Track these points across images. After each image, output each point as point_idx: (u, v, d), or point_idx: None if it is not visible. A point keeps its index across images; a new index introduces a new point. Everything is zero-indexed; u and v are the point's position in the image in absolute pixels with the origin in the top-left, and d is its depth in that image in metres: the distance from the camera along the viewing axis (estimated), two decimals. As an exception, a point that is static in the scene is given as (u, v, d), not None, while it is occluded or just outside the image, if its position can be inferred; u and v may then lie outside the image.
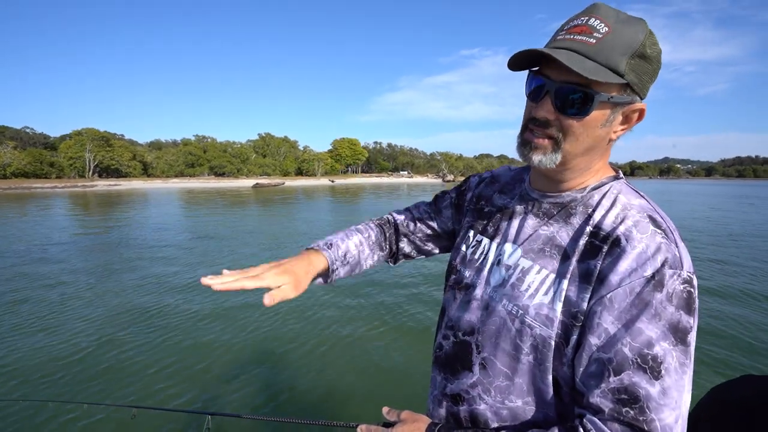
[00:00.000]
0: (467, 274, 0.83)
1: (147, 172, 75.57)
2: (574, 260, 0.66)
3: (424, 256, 1.08)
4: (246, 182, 62.84)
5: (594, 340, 0.61)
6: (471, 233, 0.87)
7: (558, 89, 0.63)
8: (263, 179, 68.17)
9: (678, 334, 0.57)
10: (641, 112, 0.66)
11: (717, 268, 8.22)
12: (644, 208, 0.65)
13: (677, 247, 0.61)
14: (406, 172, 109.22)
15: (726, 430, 0.71)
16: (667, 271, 0.59)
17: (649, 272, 0.59)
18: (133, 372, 3.85)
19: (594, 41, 0.60)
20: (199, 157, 75.76)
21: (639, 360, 0.57)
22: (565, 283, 0.66)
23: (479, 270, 0.81)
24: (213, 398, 3.49)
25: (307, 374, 3.92)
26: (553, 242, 0.70)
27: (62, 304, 5.82)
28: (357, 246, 0.96)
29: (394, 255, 1.06)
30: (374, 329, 5.00)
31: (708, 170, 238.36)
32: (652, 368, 0.57)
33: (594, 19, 0.61)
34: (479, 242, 0.84)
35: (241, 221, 16.27)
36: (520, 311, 0.70)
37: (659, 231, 0.62)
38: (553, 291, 0.67)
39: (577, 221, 0.69)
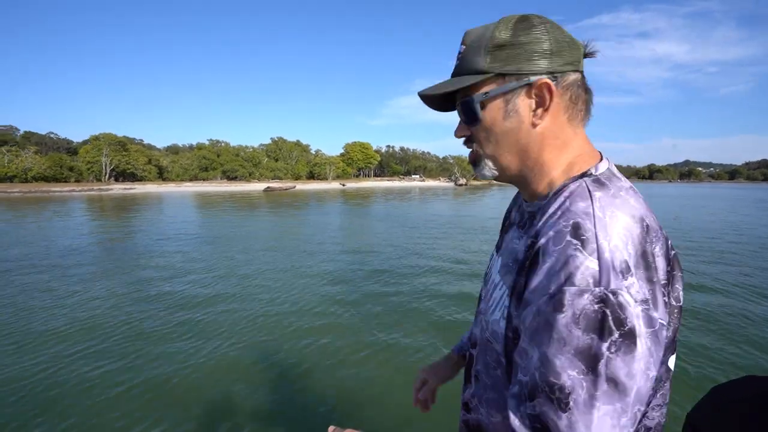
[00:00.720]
0: (482, 288, 0.85)
1: (162, 175, 77.03)
2: (515, 274, 0.65)
3: None
4: (257, 186, 63.43)
5: (517, 359, 0.59)
6: (494, 248, 0.89)
7: (459, 109, 0.70)
8: (274, 183, 68.77)
9: (589, 362, 0.51)
10: (545, 87, 0.64)
11: (724, 268, 7.89)
12: (577, 214, 0.57)
13: (599, 259, 0.53)
14: (417, 176, 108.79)
15: None
16: (568, 290, 0.53)
17: (552, 290, 0.54)
18: (111, 400, 3.44)
19: (459, 61, 0.69)
20: (212, 161, 76.89)
21: (547, 389, 0.53)
22: (508, 299, 0.65)
23: (486, 283, 0.82)
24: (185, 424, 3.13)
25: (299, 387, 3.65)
26: (513, 256, 0.69)
27: (30, 315, 5.72)
28: None
29: None
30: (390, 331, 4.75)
31: (731, 173, 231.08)
32: (559, 399, 0.52)
33: (461, 45, 0.70)
34: (492, 256, 0.85)
35: (246, 224, 16.22)
36: (486, 326, 0.72)
37: (576, 241, 0.55)
38: (503, 307, 0.67)
39: (531, 232, 0.65)
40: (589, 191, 0.60)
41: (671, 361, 0.66)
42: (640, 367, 0.52)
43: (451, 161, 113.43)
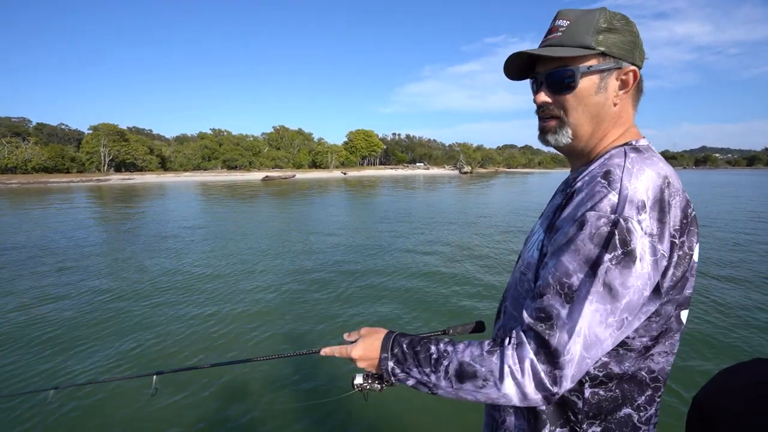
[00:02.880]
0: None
1: (165, 165, 76.73)
2: (551, 216, 0.79)
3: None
4: (257, 175, 62.69)
5: (540, 273, 0.73)
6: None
7: (547, 76, 0.78)
8: (273, 172, 68.02)
9: (593, 268, 0.65)
10: (634, 74, 0.76)
11: (732, 252, 7.43)
12: (610, 165, 0.71)
13: (620, 194, 0.66)
14: (422, 164, 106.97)
15: (734, 416, 0.70)
16: (590, 214, 0.66)
17: (579, 215, 0.68)
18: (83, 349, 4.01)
19: (561, 33, 0.77)
20: (214, 150, 76.31)
21: (558, 286, 0.67)
22: (543, 234, 0.79)
23: (525, 244, 0.93)
24: (157, 360, 3.72)
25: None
26: (553, 206, 0.82)
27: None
28: None
29: None
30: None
31: (750, 159, 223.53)
32: (567, 294, 0.66)
33: (558, 20, 0.78)
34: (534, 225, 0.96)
35: (232, 216, 15.38)
36: (521, 263, 0.86)
37: (603, 181, 0.68)
38: (538, 243, 0.80)
39: (571, 187, 0.77)
40: (626, 152, 0.73)
41: (683, 315, 0.75)
42: (636, 283, 0.65)
43: (457, 149, 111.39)
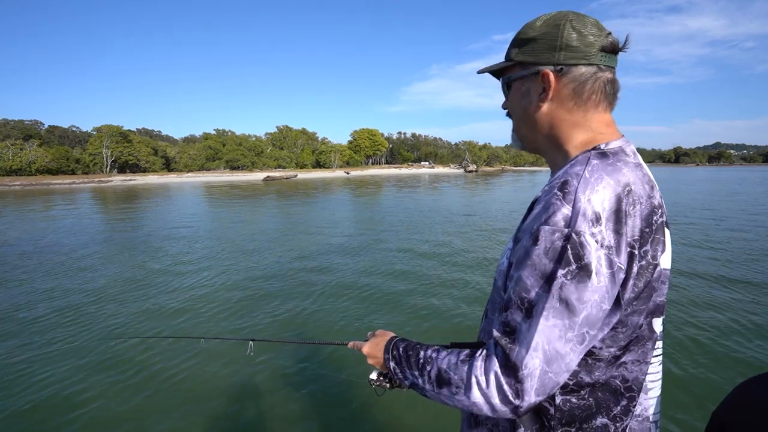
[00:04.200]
0: None
1: (170, 166, 76.79)
2: (519, 224, 0.78)
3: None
4: (259, 175, 62.32)
5: (508, 285, 0.74)
6: None
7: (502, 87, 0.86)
8: (275, 172, 67.68)
9: (549, 283, 0.65)
10: (546, 77, 0.76)
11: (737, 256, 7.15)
12: (569, 174, 0.70)
13: (573, 207, 0.65)
14: (427, 163, 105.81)
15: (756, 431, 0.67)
16: (543, 228, 0.67)
17: (534, 228, 0.68)
18: (197, 310, 5.15)
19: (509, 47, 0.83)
20: (218, 150, 76.19)
21: (519, 301, 0.68)
22: (512, 243, 0.78)
23: None
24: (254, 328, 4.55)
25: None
26: (522, 217, 0.80)
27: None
28: None
29: None
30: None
31: (766, 156, 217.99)
32: (527, 309, 0.67)
33: None
34: None
35: (220, 218, 14.84)
36: (496, 270, 0.86)
37: (559, 193, 0.67)
38: (508, 251, 0.81)
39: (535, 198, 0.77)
40: (589, 159, 0.71)
41: (656, 324, 0.75)
42: (592, 297, 0.65)
43: (462, 147, 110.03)
